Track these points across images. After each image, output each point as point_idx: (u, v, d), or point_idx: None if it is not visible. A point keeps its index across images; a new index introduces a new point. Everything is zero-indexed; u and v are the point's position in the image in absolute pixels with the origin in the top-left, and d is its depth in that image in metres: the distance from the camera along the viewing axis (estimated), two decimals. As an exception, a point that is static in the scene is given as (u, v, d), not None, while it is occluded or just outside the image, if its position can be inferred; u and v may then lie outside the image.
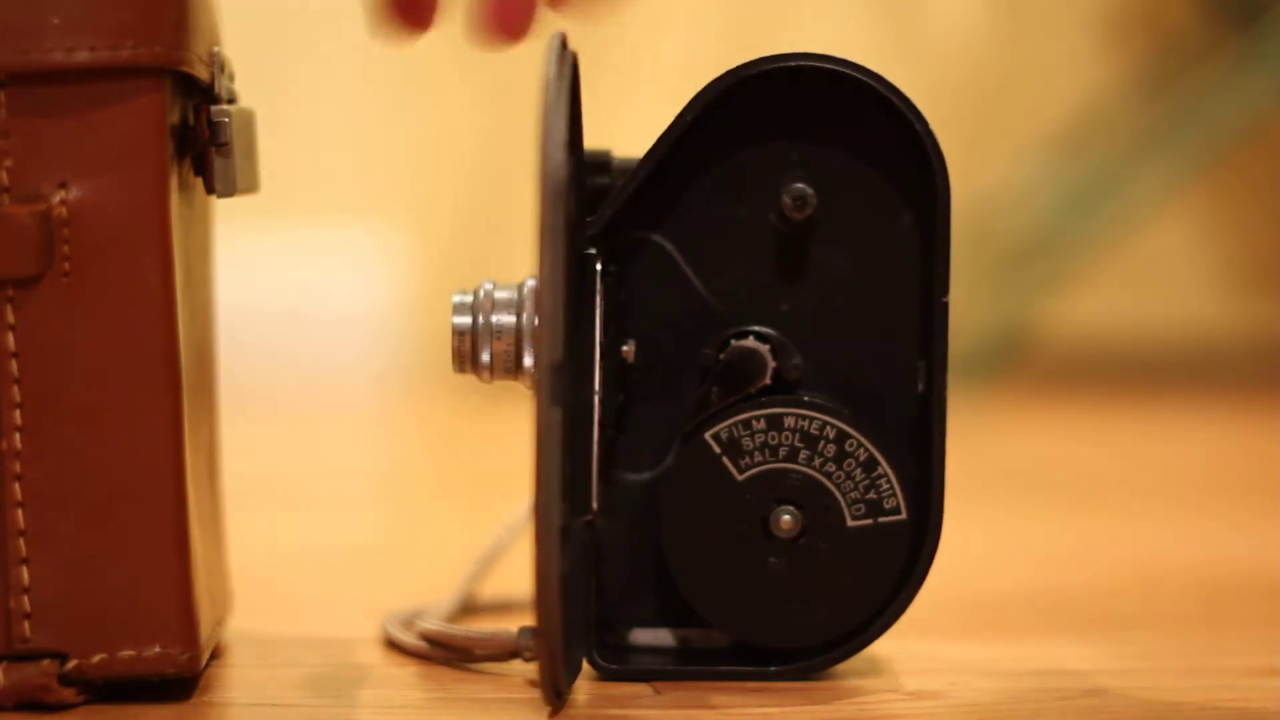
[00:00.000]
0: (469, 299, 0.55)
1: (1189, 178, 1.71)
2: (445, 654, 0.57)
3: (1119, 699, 0.54)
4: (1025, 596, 0.73)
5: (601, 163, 0.56)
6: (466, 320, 0.55)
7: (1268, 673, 0.58)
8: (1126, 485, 1.13)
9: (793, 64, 0.53)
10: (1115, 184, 1.65)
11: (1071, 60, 1.76)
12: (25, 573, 0.50)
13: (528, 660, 0.55)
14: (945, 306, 0.53)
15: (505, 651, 0.55)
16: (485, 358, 0.55)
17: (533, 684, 0.54)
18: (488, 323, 0.55)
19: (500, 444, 1.29)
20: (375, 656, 0.58)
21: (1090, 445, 1.34)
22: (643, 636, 0.56)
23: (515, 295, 0.55)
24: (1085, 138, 1.71)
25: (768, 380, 0.54)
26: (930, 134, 0.54)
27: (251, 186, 0.54)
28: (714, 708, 0.52)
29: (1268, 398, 1.63)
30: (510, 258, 1.78)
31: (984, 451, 1.25)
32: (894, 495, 0.54)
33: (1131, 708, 0.53)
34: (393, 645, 0.59)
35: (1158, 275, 1.82)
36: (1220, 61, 1.69)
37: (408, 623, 0.59)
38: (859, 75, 0.53)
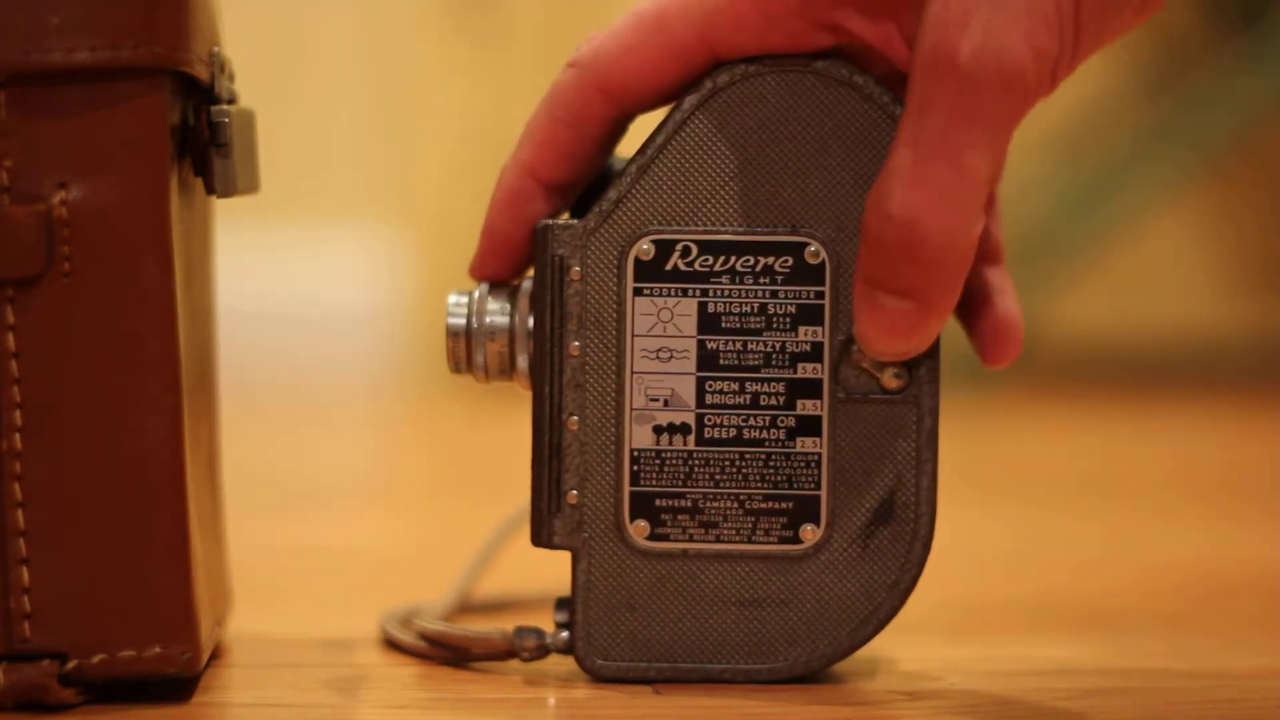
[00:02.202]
0: (463, 300, 0.55)
1: (1189, 178, 1.71)
2: (443, 653, 0.57)
3: (1119, 699, 0.54)
4: (1025, 596, 0.73)
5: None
6: (461, 322, 0.55)
7: (1268, 673, 0.58)
8: (1126, 485, 1.13)
9: (772, 66, 0.53)
10: (1115, 184, 1.65)
11: (1071, 60, 1.76)
12: (25, 573, 0.50)
13: (525, 660, 0.55)
14: None
15: (501, 651, 0.55)
16: (479, 359, 0.55)
17: (532, 684, 0.54)
18: (481, 324, 0.55)
19: (499, 444, 1.29)
20: (375, 657, 0.58)
21: (1089, 445, 1.34)
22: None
23: (509, 296, 0.55)
24: (1085, 138, 1.71)
25: None
26: None
27: (251, 186, 0.54)
28: (714, 708, 0.52)
29: (1267, 398, 1.63)
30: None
31: (983, 451, 1.25)
32: None
33: (1131, 708, 0.53)
34: (390, 644, 0.59)
35: (1157, 275, 1.82)
36: (1220, 62, 1.69)
37: (405, 621, 0.59)
38: (841, 74, 0.53)
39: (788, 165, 0.53)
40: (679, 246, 0.53)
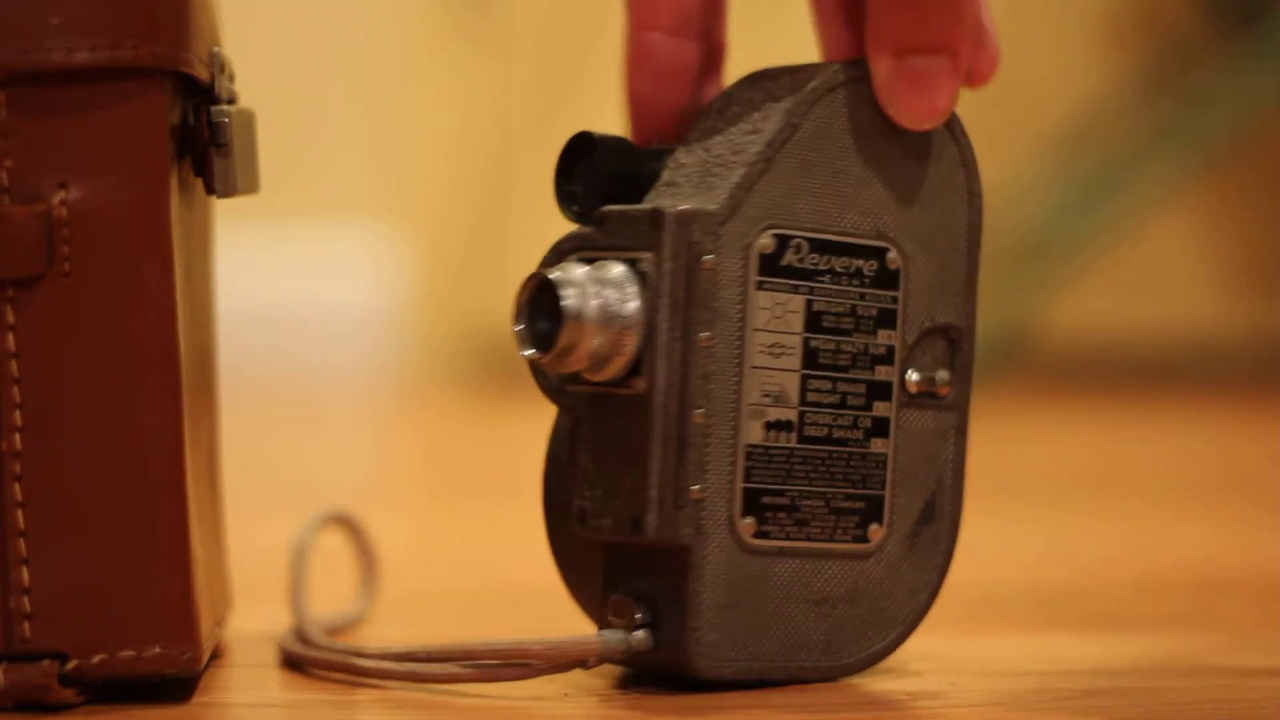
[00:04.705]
0: (577, 279, 0.52)
1: (1189, 178, 1.71)
2: (486, 671, 0.53)
3: (1119, 699, 0.54)
4: (1025, 596, 0.73)
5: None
6: (577, 303, 0.52)
7: (1268, 673, 0.58)
8: (1126, 485, 1.13)
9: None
10: (1115, 184, 1.65)
11: (1071, 60, 1.76)
12: (25, 573, 0.50)
13: (588, 667, 0.54)
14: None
15: (575, 658, 0.53)
16: (591, 345, 0.52)
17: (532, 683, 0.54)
18: (605, 309, 0.52)
19: (499, 444, 1.29)
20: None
21: (1089, 445, 1.34)
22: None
23: (623, 280, 0.52)
24: (1085, 138, 1.71)
25: None
26: (966, 139, 0.55)
27: (251, 187, 0.54)
28: (714, 708, 0.52)
29: (1267, 398, 1.63)
30: (508, 258, 1.78)
31: (983, 451, 1.25)
32: None
33: (1131, 708, 0.53)
34: (290, 664, 0.56)
35: (1157, 275, 1.82)
36: (1220, 62, 1.69)
37: (299, 637, 0.57)
38: None
39: (877, 171, 0.54)
40: (793, 242, 0.53)
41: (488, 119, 1.83)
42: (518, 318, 0.53)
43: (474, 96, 1.84)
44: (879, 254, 0.54)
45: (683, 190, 0.54)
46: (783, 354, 0.53)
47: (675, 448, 0.52)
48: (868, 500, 0.54)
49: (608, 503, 0.53)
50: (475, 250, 1.81)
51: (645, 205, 0.53)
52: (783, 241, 0.53)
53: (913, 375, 0.55)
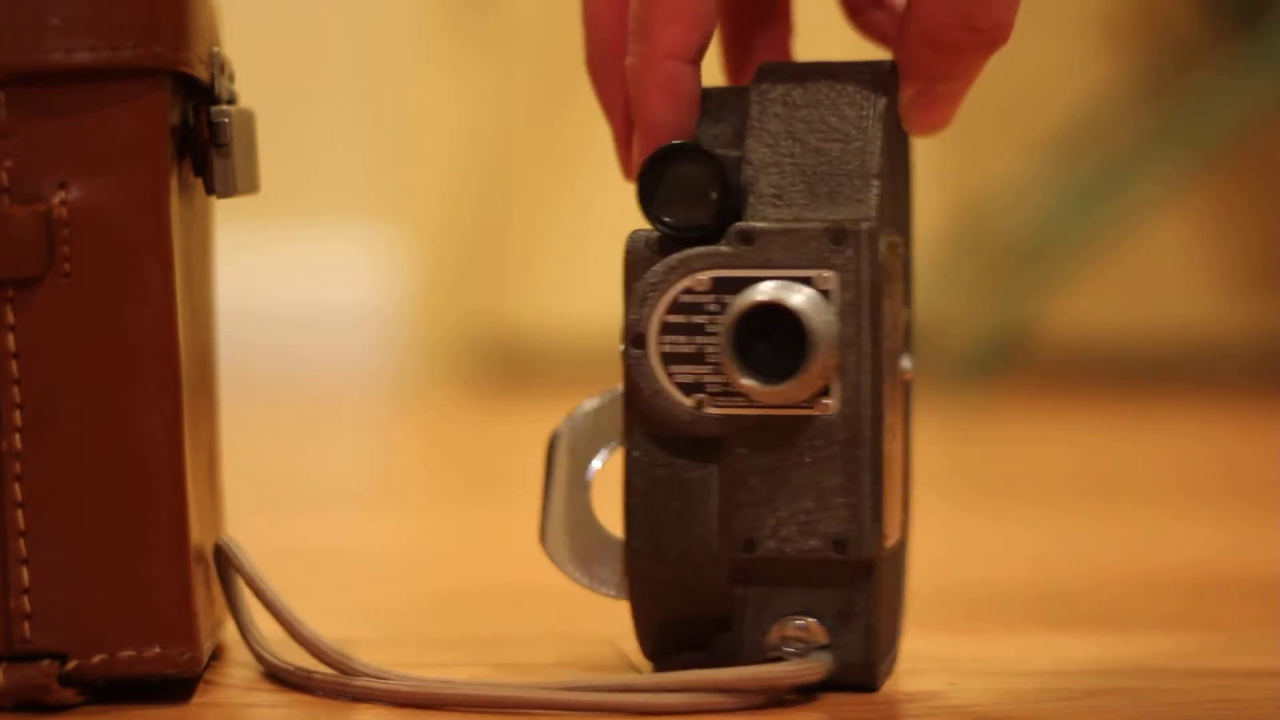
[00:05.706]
0: (796, 299, 0.50)
1: (1189, 178, 1.71)
2: (705, 700, 0.51)
3: (1119, 699, 0.54)
4: (1024, 597, 0.73)
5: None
6: (821, 327, 0.50)
7: (1268, 673, 0.58)
8: (1126, 485, 1.13)
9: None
10: (1115, 184, 1.65)
11: (1071, 60, 1.76)
12: (25, 573, 0.50)
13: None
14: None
15: (798, 685, 0.52)
16: (817, 371, 0.50)
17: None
18: (829, 334, 0.50)
19: (499, 444, 1.29)
20: (375, 657, 0.58)
21: (1089, 445, 1.34)
22: None
23: (817, 295, 0.51)
24: (1085, 138, 1.71)
25: None
26: None
27: (251, 187, 0.54)
28: (713, 710, 0.52)
29: (1268, 398, 1.63)
30: (508, 258, 1.78)
31: (983, 451, 1.25)
32: None
33: (1131, 708, 0.53)
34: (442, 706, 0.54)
35: (1157, 276, 1.82)
36: (1220, 62, 1.69)
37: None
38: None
39: (896, 166, 0.54)
40: (892, 245, 0.53)
41: (488, 119, 1.83)
42: (731, 349, 0.51)
43: (474, 96, 1.84)
44: (897, 248, 0.54)
45: (801, 203, 0.52)
46: (886, 359, 0.53)
47: (870, 466, 0.51)
48: (902, 485, 0.55)
49: (789, 525, 0.51)
50: (475, 250, 1.81)
51: (813, 222, 0.51)
52: (891, 247, 0.52)
53: (905, 363, 0.55)
